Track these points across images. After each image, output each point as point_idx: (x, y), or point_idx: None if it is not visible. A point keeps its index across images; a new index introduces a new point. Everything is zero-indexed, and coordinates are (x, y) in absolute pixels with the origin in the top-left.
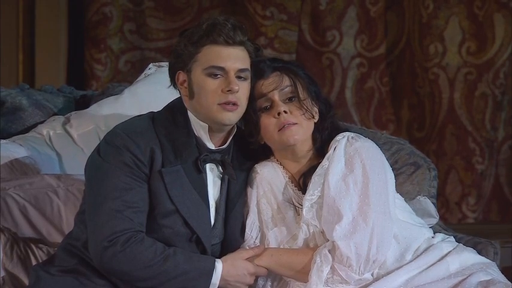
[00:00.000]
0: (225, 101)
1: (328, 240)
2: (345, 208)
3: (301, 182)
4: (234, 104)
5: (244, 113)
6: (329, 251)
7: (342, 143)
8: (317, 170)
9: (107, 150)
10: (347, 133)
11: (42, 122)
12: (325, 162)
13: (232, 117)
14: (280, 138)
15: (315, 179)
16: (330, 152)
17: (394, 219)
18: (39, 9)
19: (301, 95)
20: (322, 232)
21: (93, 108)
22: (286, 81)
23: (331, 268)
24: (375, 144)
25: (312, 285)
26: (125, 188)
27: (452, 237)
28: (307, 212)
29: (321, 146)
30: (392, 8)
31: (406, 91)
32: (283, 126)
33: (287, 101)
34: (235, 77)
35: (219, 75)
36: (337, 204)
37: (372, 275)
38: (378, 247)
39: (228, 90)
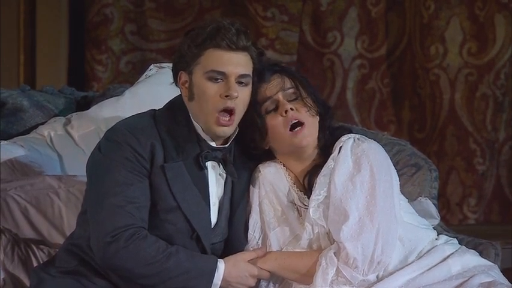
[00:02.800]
0: (224, 107)
1: (334, 240)
2: (351, 208)
3: (306, 182)
4: (231, 112)
5: (248, 120)
6: (334, 253)
7: (348, 144)
8: (323, 170)
9: (107, 146)
10: (352, 134)
11: (43, 123)
12: (330, 162)
13: (227, 130)
14: (292, 141)
15: (321, 180)
16: (335, 152)
17: (399, 221)
18: (40, 10)
19: (303, 94)
20: (328, 233)
21: (94, 109)
22: (288, 82)
23: (336, 270)
24: (381, 146)
25: None
26: (126, 183)
27: (455, 239)
28: (314, 212)
29: (324, 146)
30: (393, 9)
31: (407, 92)
32: (292, 125)
33: (291, 100)
34: (236, 82)
35: (219, 80)
36: (344, 204)
37: (377, 277)
38: (383, 248)
39: (226, 96)
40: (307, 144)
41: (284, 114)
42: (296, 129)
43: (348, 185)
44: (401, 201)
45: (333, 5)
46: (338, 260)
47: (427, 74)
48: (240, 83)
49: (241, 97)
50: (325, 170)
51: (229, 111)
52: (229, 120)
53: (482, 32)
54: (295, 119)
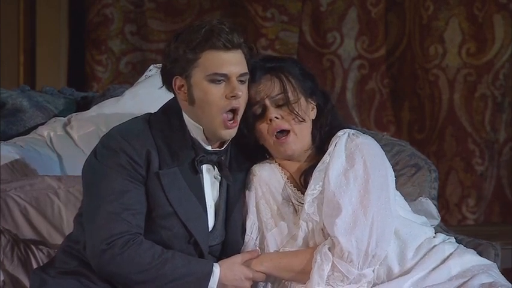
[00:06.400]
0: (230, 108)
1: (328, 236)
2: (344, 202)
3: (302, 180)
4: (235, 111)
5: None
6: (329, 248)
7: (343, 139)
8: (318, 165)
9: (103, 153)
10: (348, 129)
11: (42, 124)
12: (326, 157)
13: (232, 132)
14: (278, 148)
15: (316, 174)
16: (331, 148)
17: (394, 215)
18: (40, 10)
19: (291, 99)
20: (323, 229)
21: (94, 110)
22: (277, 86)
23: (331, 265)
24: (376, 141)
25: (313, 285)
26: (122, 191)
27: (453, 237)
28: (308, 206)
29: (320, 144)
30: (393, 10)
31: (407, 93)
32: (276, 135)
33: (279, 105)
34: (237, 81)
35: (221, 81)
36: (337, 198)
37: (373, 271)
38: (377, 242)
39: (232, 96)
40: (292, 153)
41: (269, 122)
42: (281, 138)
43: (341, 179)
44: (396, 196)
45: (333, 6)
46: (333, 256)
47: (427, 75)
48: (240, 81)
49: (243, 95)
50: (320, 165)
51: (234, 111)
52: (233, 122)
53: (481, 32)
54: (280, 128)
